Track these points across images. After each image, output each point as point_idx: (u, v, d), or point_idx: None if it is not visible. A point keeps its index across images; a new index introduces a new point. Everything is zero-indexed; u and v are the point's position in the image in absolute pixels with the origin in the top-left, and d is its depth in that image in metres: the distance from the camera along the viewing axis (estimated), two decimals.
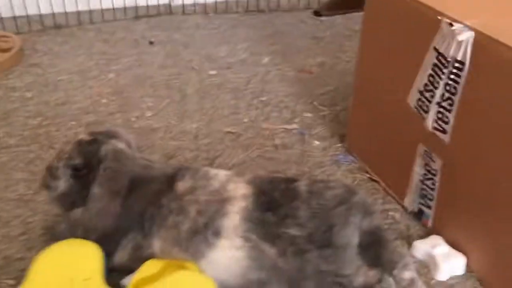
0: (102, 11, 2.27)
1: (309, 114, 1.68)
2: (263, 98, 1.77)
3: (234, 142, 1.54)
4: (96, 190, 1.04)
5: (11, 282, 1.07)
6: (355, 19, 2.30)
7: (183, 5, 2.39)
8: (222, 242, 1.01)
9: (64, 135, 1.53)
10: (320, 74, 1.93)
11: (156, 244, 1.05)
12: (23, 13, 2.16)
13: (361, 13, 1.33)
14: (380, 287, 0.94)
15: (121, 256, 1.06)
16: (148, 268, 1.03)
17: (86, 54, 2.02)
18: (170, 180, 1.09)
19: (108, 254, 1.05)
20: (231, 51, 2.08)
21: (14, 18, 2.15)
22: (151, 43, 2.12)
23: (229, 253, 1.01)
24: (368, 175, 1.39)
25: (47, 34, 2.16)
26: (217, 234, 1.01)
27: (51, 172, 1.10)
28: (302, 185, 1.07)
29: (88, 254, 1.02)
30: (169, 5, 2.40)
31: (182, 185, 1.08)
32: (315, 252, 0.97)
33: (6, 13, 2.13)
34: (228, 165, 1.44)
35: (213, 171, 1.13)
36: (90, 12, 2.25)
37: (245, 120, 1.65)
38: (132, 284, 1.00)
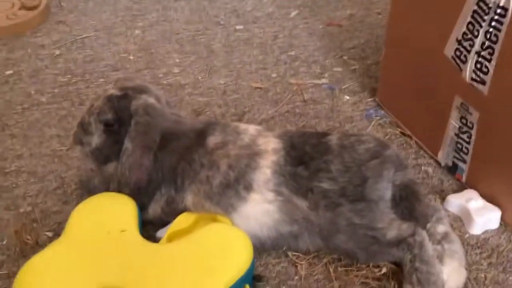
0: None
1: (338, 69, 1.64)
2: (291, 53, 1.73)
3: (262, 97, 1.53)
4: (128, 144, 1.04)
5: (50, 234, 1.11)
6: None
7: None
8: (253, 196, 1.02)
9: (94, 92, 1.54)
10: (349, 27, 1.87)
11: (189, 198, 1.06)
12: None
13: None
14: (413, 240, 0.93)
15: (155, 209, 1.08)
16: (182, 221, 1.05)
17: (111, 11, 2.00)
18: (201, 135, 1.10)
19: (142, 208, 1.07)
20: (257, 5, 2.03)
21: None
22: None
23: (260, 206, 1.01)
24: (400, 130, 1.36)
25: None
26: (248, 188, 1.02)
27: (83, 128, 1.11)
28: (333, 139, 1.06)
29: (123, 207, 1.04)
30: None
31: (212, 140, 1.08)
32: (347, 206, 0.97)
33: None
34: (257, 120, 1.43)
35: (243, 126, 1.13)
36: None
37: (273, 75, 1.62)
38: (166, 236, 1.02)
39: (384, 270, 0.98)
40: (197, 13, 1.98)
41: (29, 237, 1.08)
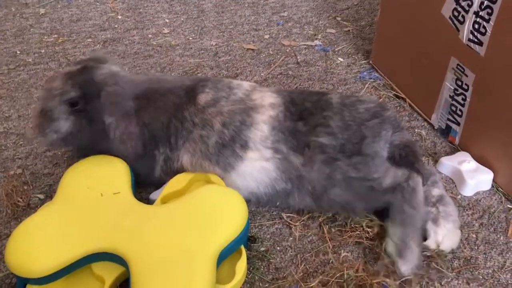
0: None
1: (332, 30, 1.61)
2: (284, 14, 1.69)
3: (255, 59, 1.50)
4: (109, 119, 1.00)
5: (41, 196, 1.09)
6: None
7: None
8: (250, 154, 1.00)
9: (81, 52, 1.50)
10: None
11: (185, 157, 1.04)
12: None
13: None
14: (407, 185, 0.95)
15: (157, 169, 1.07)
16: (175, 183, 1.04)
17: None
18: (190, 92, 1.06)
19: (149, 172, 1.06)
20: None
21: None
22: None
23: (258, 164, 1.00)
24: (394, 92, 1.35)
25: None
26: (245, 147, 1.01)
27: (45, 115, 1.00)
28: (334, 98, 1.05)
29: (116, 169, 1.03)
30: None
31: (203, 97, 1.05)
32: (345, 161, 0.97)
33: None
34: (250, 82, 1.40)
35: (235, 82, 1.10)
36: None
37: (266, 36, 1.59)
38: (160, 198, 1.01)
39: (376, 229, 0.99)
40: None
41: (20, 199, 1.07)
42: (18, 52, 1.51)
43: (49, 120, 0.99)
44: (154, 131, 1.04)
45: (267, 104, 1.03)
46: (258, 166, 1.00)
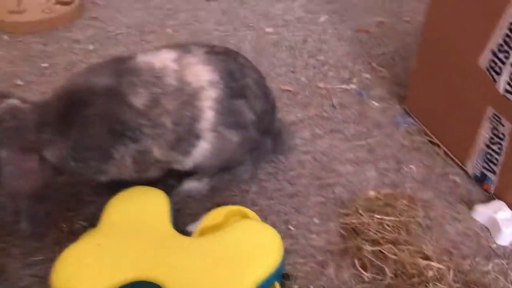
0: None
1: (367, 75, 1.66)
2: (320, 57, 1.75)
3: (291, 100, 1.55)
4: (2, 154, 0.96)
5: (84, 223, 1.14)
6: None
7: None
8: (201, 142, 1.08)
9: None
10: (378, 34, 1.88)
11: (155, 151, 1.06)
12: None
13: None
14: None
15: (120, 167, 1.06)
16: (212, 216, 1.07)
17: (143, 9, 2.04)
18: (117, 95, 1.02)
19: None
20: (287, 8, 2.05)
21: None
22: None
23: (204, 146, 1.09)
24: (427, 138, 1.37)
25: None
26: (198, 137, 1.08)
27: None
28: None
29: (156, 200, 1.07)
30: None
31: (139, 101, 1.02)
32: None
33: None
34: (287, 122, 1.45)
35: (155, 62, 1.06)
36: None
37: (302, 78, 1.64)
38: (197, 231, 1.04)
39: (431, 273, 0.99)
40: (227, 15, 2.01)
41: (64, 225, 1.11)
42: None
43: None
44: (84, 151, 1.02)
45: (205, 83, 1.07)
46: (204, 147, 1.09)
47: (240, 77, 1.12)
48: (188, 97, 1.06)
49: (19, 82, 1.59)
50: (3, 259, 1.06)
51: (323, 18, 1.98)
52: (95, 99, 1.01)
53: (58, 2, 1.96)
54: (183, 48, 1.13)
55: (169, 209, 1.06)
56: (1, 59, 1.71)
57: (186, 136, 1.07)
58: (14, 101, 1.00)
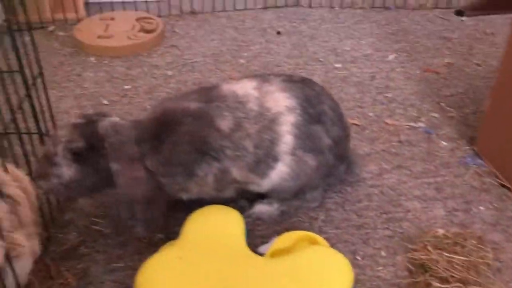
0: (235, 0, 2.40)
1: (435, 114, 1.67)
2: (388, 95, 1.78)
3: (359, 134, 1.59)
4: (115, 166, 1.05)
5: (161, 236, 1.21)
6: (488, 21, 2.24)
7: None
8: (279, 164, 1.15)
9: None
10: (447, 75, 1.90)
11: (235, 172, 1.14)
12: None
13: (507, 15, 1.31)
14: None
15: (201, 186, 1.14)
16: (282, 240, 1.12)
17: (219, 40, 2.15)
18: (205, 117, 1.11)
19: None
20: (356, 45, 2.11)
21: (157, 2, 2.35)
22: (278, 33, 2.21)
23: (282, 168, 1.15)
24: (498, 181, 1.37)
25: (184, 19, 2.33)
26: (276, 159, 1.14)
27: (48, 160, 1.07)
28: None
29: (232, 219, 1.13)
30: None
31: (225, 124, 1.11)
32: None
33: None
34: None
35: (239, 90, 1.15)
36: (224, 0, 2.39)
37: (370, 114, 1.68)
38: (269, 253, 1.09)
39: None
40: (297, 49, 2.09)
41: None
42: (148, 106, 1.71)
43: (51, 165, 1.07)
44: (173, 166, 1.10)
45: (283, 109, 1.13)
46: (282, 170, 1.15)
47: (317, 104, 1.18)
48: (268, 122, 1.13)
49: (105, 102, 1.72)
50: (88, 264, 1.14)
51: (391, 57, 2.03)
52: (186, 120, 1.10)
53: (141, 30, 2.11)
54: (262, 77, 1.23)
55: (243, 227, 1.12)
56: (89, 79, 1.86)
57: (265, 158, 1.14)
58: (114, 119, 1.11)
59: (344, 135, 1.24)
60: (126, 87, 1.81)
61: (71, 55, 2.01)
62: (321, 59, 2.01)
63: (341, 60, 2.01)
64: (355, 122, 1.64)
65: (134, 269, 1.12)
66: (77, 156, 1.07)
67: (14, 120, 0.98)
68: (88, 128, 1.08)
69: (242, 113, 1.12)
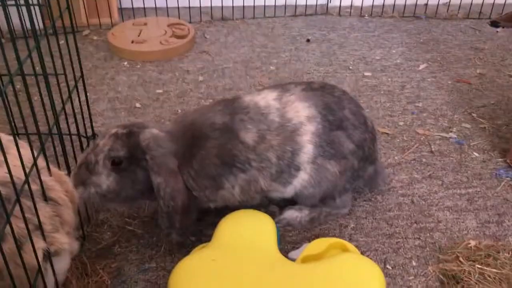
0: (265, 7, 2.43)
1: (467, 125, 1.66)
2: (419, 104, 1.78)
3: (389, 143, 1.58)
4: (158, 179, 1.08)
5: (193, 238, 1.22)
6: None
7: (340, 7, 2.47)
8: (301, 173, 1.17)
9: None
10: (479, 86, 1.89)
11: (260, 182, 1.16)
12: (196, 4, 2.38)
13: None
14: None
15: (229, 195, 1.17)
16: (314, 246, 1.12)
17: (248, 46, 2.18)
18: (229, 130, 1.14)
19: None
20: (386, 55, 2.11)
21: (189, 8, 2.39)
22: (308, 40, 2.22)
23: (304, 176, 1.18)
24: None
25: (214, 25, 2.36)
26: (298, 168, 1.17)
27: (88, 168, 1.10)
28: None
29: (264, 223, 1.14)
30: (326, 5, 2.49)
31: (249, 136, 1.13)
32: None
33: (182, 3, 2.37)
34: (384, 164, 1.48)
35: (261, 102, 1.17)
36: (254, 7, 2.42)
37: (400, 123, 1.68)
38: (300, 258, 1.10)
39: None
40: (327, 56, 2.10)
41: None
42: (179, 110, 1.74)
43: (91, 173, 1.09)
44: (203, 179, 1.14)
45: (304, 119, 1.15)
46: (303, 177, 1.18)
47: (337, 109, 1.19)
48: (289, 133, 1.15)
49: (137, 105, 1.76)
50: (122, 263, 1.17)
51: (422, 66, 2.02)
52: (213, 134, 1.14)
53: (173, 36, 2.15)
54: (282, 87, 1.24)
55: (275, 232, 1.12)
56: (122, 83, 1.90)
57: (287, 168, 1.16)
58: (154, 131, 1.13)
59: (368, 137, 1.23)
60: (158, 91, 1.85)
61: (105, 59, 2.06)
62: (350, 68, 2.02)
63: (370, 68, 2.01)
64: (385, 130, 1.64)
65: (166, 270, 1.15)
66: (116, 166, 1.09)
67: (57, 121, 1.01)
68: (130, 139, 1.10)
69: (265, 125, 1.15)
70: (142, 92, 1.84)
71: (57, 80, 1.10)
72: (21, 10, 0.96)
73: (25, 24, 0.89)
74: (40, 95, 1.03)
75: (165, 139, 1.12)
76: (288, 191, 1.21)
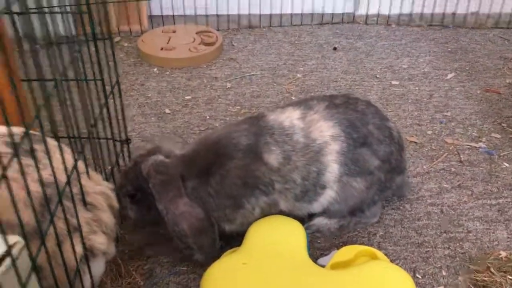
0: (292, 15, 2.45)
1: (497, 135, 1.65)
2: (447, 113, 1.77)
3: (417, 152, 1.58)
4: (160, 206, 1.11)
5: (222, 243, 1.24)
6: None
7: (367, 15, 2.48)
8: (327, 190, 1.18)
9: None
10: (508, 96, 1.87)
11: (282, 204, 1.18)
12: (224, 12, 2.42)
13: None
14: None
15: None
16: (343, 253, 1.13)
17: (275, 54, 2.20)
18: (253, 152, 1.14)
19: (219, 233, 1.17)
20: (413, 63, 2.11)
21: (217, 16, 2.42)
22: (334, 49, 2.23)
23: (330, 193, 1.19)
24: None
25: (242, 33, 2.39)
26: (323, 187, 1.18)
27: (119, 203, 1.14)
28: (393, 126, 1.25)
29: (294, 229, 1.15)
30: (353, 13, 2.50)
31: (273, 158, 1.14)
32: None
33: (210, 11, 2.41)
34: (412, 173, 1.48)
35: (285, 122, 1.18)
36: (281, 15, 2.44)
37: (429, 132, 1.67)
38: (329, 265, 1.10)
39: None
40: (354, 65, 2.11)
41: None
42: (208, 117, 1.76)
43: (122, 207, 1.16)
44: (222, 199, 1.14)
45: (328, 138, 1.15)
46: (330, 194, 1.20)
47: (361, 126, 1.19)
48: (314, 153, 1.16)
49: (167, 111, 1.79)
50: (153, 265, 1.19)
51: (450, 75, 2.01)
52: (236, 154, 1.14)
53: (202, 43, 2.19)
54: (305, 103, 1.24)
55: (305, 238, 1.13)
56: (152, 89, 1.93)
57: (312, 187, 1.17)
58: (157, 158, 1.14)
59: (394, 149, 1.23)
60: (186, 97, 1.88)
61: (135, 65, 2.10)
62: (377, 76, 2.02)
63: (398, 77, 2.01)
64: (414, 139, 1.64)
65: (196, 273, 1.17)
66: (132, 199, 1.18)
67: (95, 126, 1.04)
68: (133, 172, 1.16)
69: (290, 146, 1.15)
70: (171, 98, 1.87)
71: (96, 85, 1.14)
72: (65, 19, 1.00)
73: (60, 32, 0.92)
74: (73, 100, 1.06)
75: (169, 165, 1.13)
76: (315, 208, 1.23)
